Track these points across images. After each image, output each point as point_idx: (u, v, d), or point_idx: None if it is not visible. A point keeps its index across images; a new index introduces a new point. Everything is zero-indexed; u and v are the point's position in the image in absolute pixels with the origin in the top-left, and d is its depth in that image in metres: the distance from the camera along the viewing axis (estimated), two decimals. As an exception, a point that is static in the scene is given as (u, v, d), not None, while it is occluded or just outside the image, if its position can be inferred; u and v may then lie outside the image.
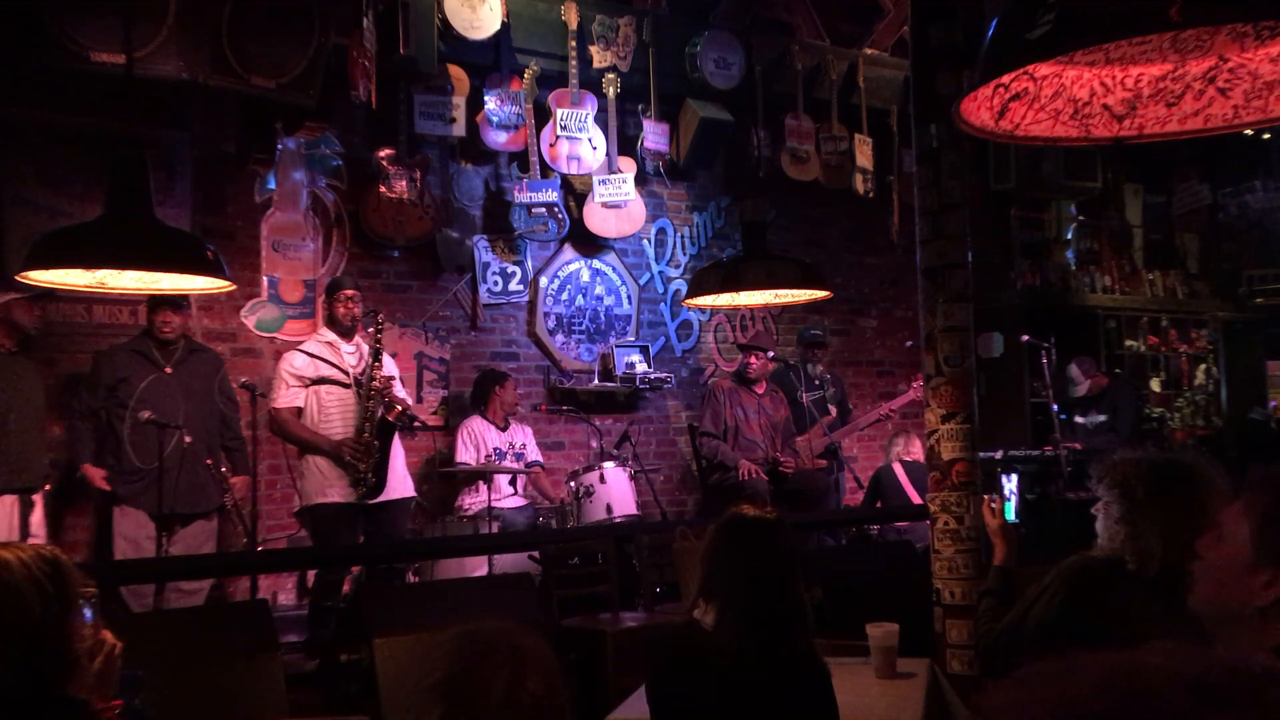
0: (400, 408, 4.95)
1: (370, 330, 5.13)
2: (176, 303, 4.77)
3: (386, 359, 5.10)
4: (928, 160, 3.38)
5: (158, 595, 4.52)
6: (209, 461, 4.69)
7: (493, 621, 1.38)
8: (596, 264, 6.75)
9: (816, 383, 6.68)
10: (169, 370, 4.79)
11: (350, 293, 5.03)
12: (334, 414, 4.91)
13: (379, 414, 4.88)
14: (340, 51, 5.30)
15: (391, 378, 5.00)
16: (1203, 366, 9.12)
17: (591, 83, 6.19)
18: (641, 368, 6.59)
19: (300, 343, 5.15)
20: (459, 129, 5.91)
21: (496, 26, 5.70)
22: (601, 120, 6.23)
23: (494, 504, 5.38)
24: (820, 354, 6.79)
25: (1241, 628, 1.49)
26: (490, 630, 1.36)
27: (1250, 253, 9.46)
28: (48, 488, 4.75)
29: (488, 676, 1.28)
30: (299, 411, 4.91)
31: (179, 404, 4.74)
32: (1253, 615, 1.47)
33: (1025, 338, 6.58)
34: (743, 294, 5.22)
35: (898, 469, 6.46)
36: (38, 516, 4.64)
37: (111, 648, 1.68)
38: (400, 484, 5.03)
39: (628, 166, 6.40)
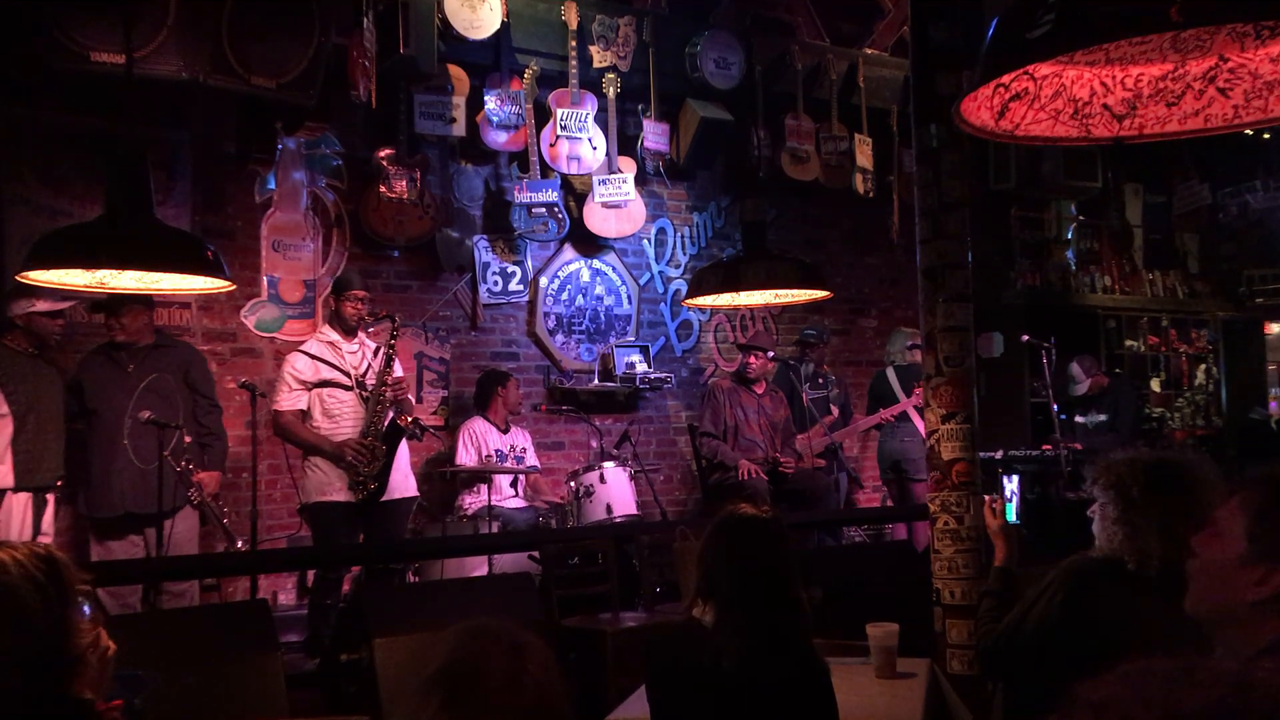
0: (413, 416, 4.93)
1: (373, 330, 5.12)
2: (113, 306, 4.71)
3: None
4: (928, 160, 3.38)
5: (155, 596, 4.52)
6: (166, 454, 4.50)
7: (492, 618, 1.38)
8: (596, 264, 6.75)
9: (820, 381, 6.68)
10: (131, 369, 4.77)
11: (360, 293, 4.97)
12: (340, 416, 4.88)
13: (389, 417, 4.86)
14: (340, 51, 5.29)
15: (401, 379, 4.99)
16: (1203, 366, 9.13)
17: (591, 83, 6.19)
18: (641, 368, 6.59)
19: (300, 343, 5.14)
20: (459, 129, 5.91)
21: (496, 26, 5.70)
22: (601, 120, 6.23)
23: (494, 504, 5.38)
24: (813, 353, 6.79)
25: (1233, 624, 1.50)
26: (490, 624, 1.36)
27: (1250, 253, 9.46)
28: (59, 484, 4.76)
29: (489, 662, 1.29)
30: (302, 414, 4.90)
31: (172, 404, 4.72)
32: (1244, 611, 1.48)
33: (1025, 338, 6.58)
34: (743, 294, 5.22)
35: (890, 374, 6.69)
36: (49, 516, 4.66)
37: (105, 649, 1.67)
38: (402, 483, 5.01)
39: (628, 166, 6.40)
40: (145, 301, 4.80)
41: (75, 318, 5.13)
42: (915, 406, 6.37)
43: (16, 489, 4.50)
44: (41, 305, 4.56)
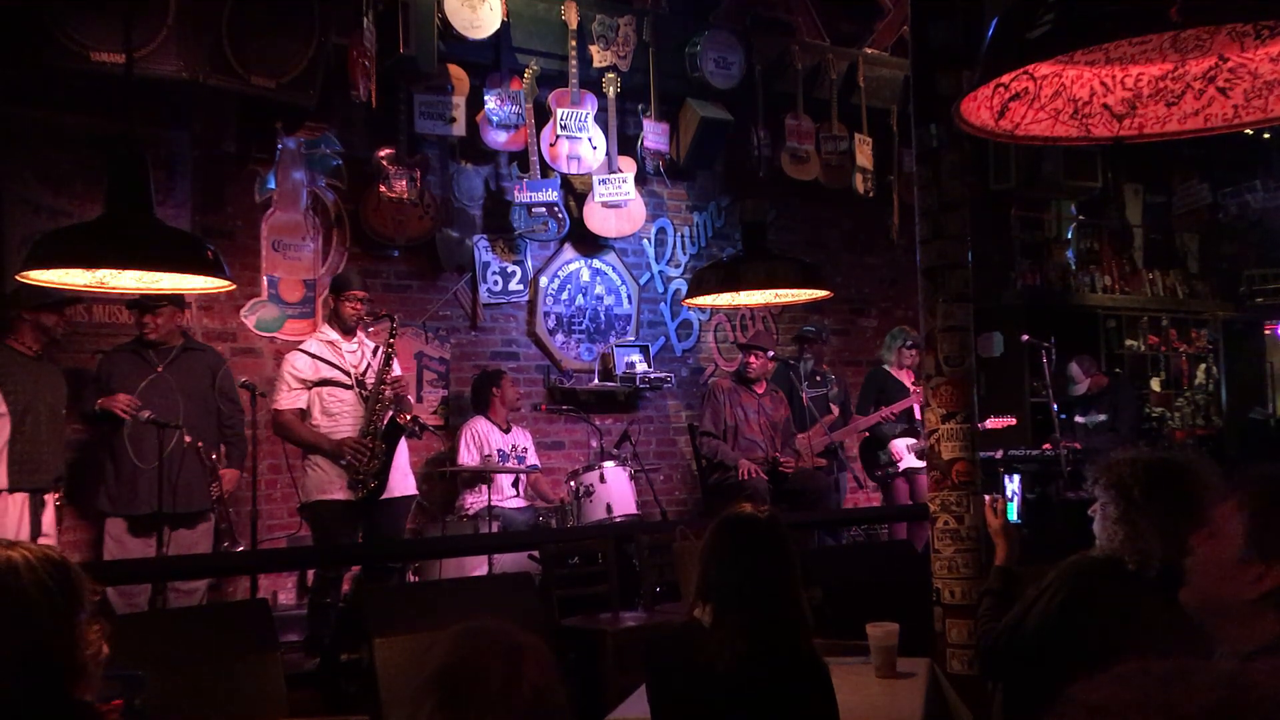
0: (412, 414, 4.93)
1: (373, 329, 5.12)
2: (147, 304, 4.73)
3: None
4: (928, 160, 3.38)
5: (157, 595, 4.52)
6: (200, 444, 4.62)
7: (491, 619, 1.38)
8: (596, 264, 6.75)
9: (819, 380, 6.67)
10: (160, 370, 4.79)
11: (359, 293, 4.97)
12: (339, 415, 4.88)
13: (389, 416, 4.86)
14: (340, 51, 5.30)
15: (400, 378, 4.99)
16: (1203, 366, 9.13)
17: (591, 82, 6.19)
18: (641, 367, 6.59)
19: (301, 342, 5.14)
20: (459, 129, 5.91)
21: (496, 26, 5.70)
22: (601, 120, 6.23)
23: (495, 504, 5.38)
24: (811, 350, 6.77)
25: (1231, 621, 1.51)
26: (489, 625, 1.36)
27: (1250, 253, 9.46)
28: (58, 492, 4.76)
29: (485, 666, 1.28)
30: (301, 413, 4.90)
31: (172, 403, 4.73)
32: (1242, 608, 1.48)
33: (1025, 338, 6.58)
34: (743, 294, 5.20)
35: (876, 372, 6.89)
36: (49, 517, 4.65)
37: (99, 651, 1.66)
38: (401, 482, 5.00)
39: (628, 166, 6.40)
40: (179, 302, 4.82)
41: (95, 316, 5.15)
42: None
43: (11, 489, 4.49)
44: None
